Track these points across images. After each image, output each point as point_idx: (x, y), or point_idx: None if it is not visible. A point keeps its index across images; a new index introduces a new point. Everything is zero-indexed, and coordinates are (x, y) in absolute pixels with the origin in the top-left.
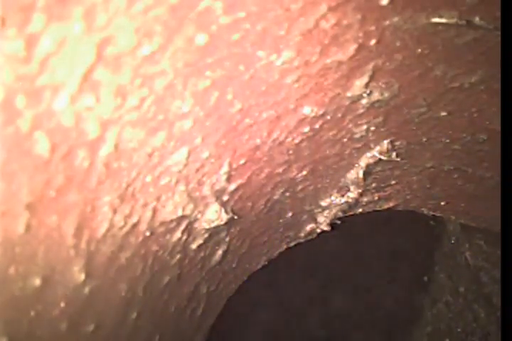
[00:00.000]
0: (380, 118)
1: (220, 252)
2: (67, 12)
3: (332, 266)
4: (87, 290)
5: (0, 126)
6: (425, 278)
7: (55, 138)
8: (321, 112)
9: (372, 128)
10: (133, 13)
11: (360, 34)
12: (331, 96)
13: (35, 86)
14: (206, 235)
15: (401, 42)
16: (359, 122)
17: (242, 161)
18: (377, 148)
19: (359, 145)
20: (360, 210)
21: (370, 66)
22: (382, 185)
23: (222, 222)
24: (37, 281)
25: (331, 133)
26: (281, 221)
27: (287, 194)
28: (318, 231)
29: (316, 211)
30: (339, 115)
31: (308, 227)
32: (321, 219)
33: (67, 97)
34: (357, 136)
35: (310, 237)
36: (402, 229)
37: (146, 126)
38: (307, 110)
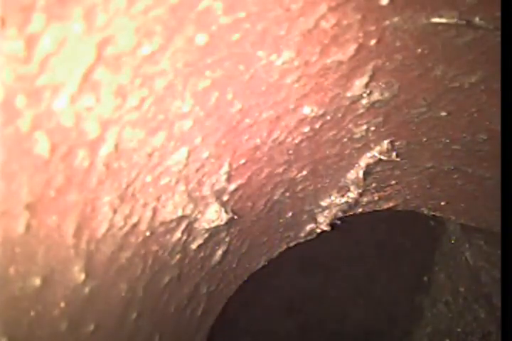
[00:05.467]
0: (380, 118)
1: (220, 252)
2: (67, 12)
3: (332, 266)
4: (87, 290)
5: (0, 126)
6: (425, 278)
7: (55, 138)
8: (321, 112)
9: (372, 128)
10: (133, 13)
11: (360, 34)
12: (331, 96)
13: (35, 86)
14: (206, 235)
15: (401, 42)
16: (359, 122)
17: (242, 161)
18: (377, 148)
19: (359, 145)
20: (360, 210)
21: (370, 66)
22: (382, 185)
23: (222, 222)
24: (37, 281)
25: (331, 133)
26: (281, 221)
27: (287, 194)
28: (318, 231)
29: (316, 211)
30: (339, 115)
31: (308, 227)
32: (321, 219)
33: (67, 97)
34: (357, 136)
35: (310, 237)
36: (402, 229)
37: (146, 126)
38: (307, 110)
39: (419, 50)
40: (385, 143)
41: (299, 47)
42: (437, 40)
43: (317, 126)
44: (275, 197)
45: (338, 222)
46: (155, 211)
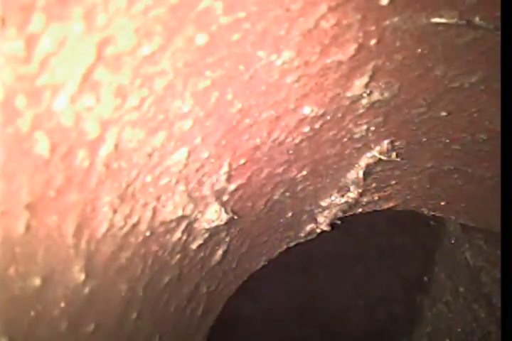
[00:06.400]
0: (380, 118)
1: (220, 252)
2: (67, 12)
3: (332, 266)
4: (87, 290)
5: (0, 126)
6: (425, 278)
7: (55, 138)
8: (321, 112)
9: (372, 128)
10: (133, 13)
11: (360, 34)
12: (331, 96)
13: (35, 86)
14: (206, 235)
15: (401, 42)
16: (359, 122)
17: (242, 161)
18: (377, 148)
19: (359, 145)
20: (360, 210)
21: (370, 66)
22: (382, 185)
23: (222, 222)
24: (37, 281)
25: (331, 133)
26: (281, 221)
27: (287, 194)
28: (318, 231)
29: (316, 211)
30: (339, 115)
31: (308, 227)
32: (321, 219)
33: (67, 97)
34: (357, 136)
35: (310, 237)
36: (402, 229)
37: (146, 126)
38: (307, 110)
39: (419, 50)
40: (385, 143)
41: (299, 47)
42: (437, 40)
43: (317, 126)
44: (275, 197)
45: (338, 222)
46: (155, 211)
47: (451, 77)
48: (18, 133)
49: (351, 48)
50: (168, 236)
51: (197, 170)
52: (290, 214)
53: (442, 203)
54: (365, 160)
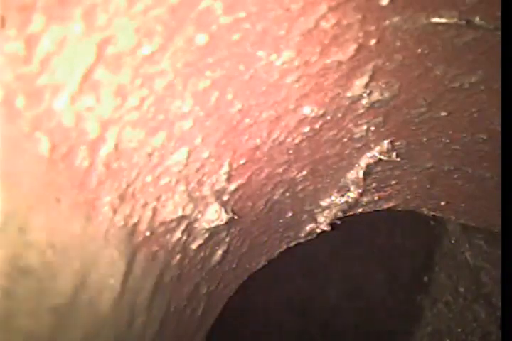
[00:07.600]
0: (380, 118)
1: (220, 252)
2: (67, 12)
3: (332, 266)
4: None
5: (0, 126)
6: (425, 278)
7: (55, 138)
8: (321, 112)
9: (372, 128)
10: (133, 13)
11: (360, 34)
12: (331, 96)
13: (35, 86)
14: (206, 235)
15: (401, 42)
16: (359, 122)
17: (242, 161)
18: (377, 148)
19: (359, 145)
20: (360, 210)
21: (370, 66)
22: (382, 185)
23: (222, 222)
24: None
25: (331, 133)
26: (281, 221)
27: (287, 194)
28: (318, 231)
29: (316, 211)
30: (339, 115)
31: (308, 227)
32: (321, 219)
33: (67, 97)
34: (357, 136)
35: (310, 237)
36: (402, 229)
37: (146, 126)
38: (307, 110)
39: (419, 50)
40: (385, 143)
41: (299, 47)
42: (437, 40)
43: (317, 126)
44: (275, 197)
45: (338, 222)
46: (155, 211)
47: (451, 77)
48: (18, 133)
49: (351, 48)
50: (168, 236)
51: (197, 170)
52: (290, 214)
53: (442, 203)
54: (365, 160)
